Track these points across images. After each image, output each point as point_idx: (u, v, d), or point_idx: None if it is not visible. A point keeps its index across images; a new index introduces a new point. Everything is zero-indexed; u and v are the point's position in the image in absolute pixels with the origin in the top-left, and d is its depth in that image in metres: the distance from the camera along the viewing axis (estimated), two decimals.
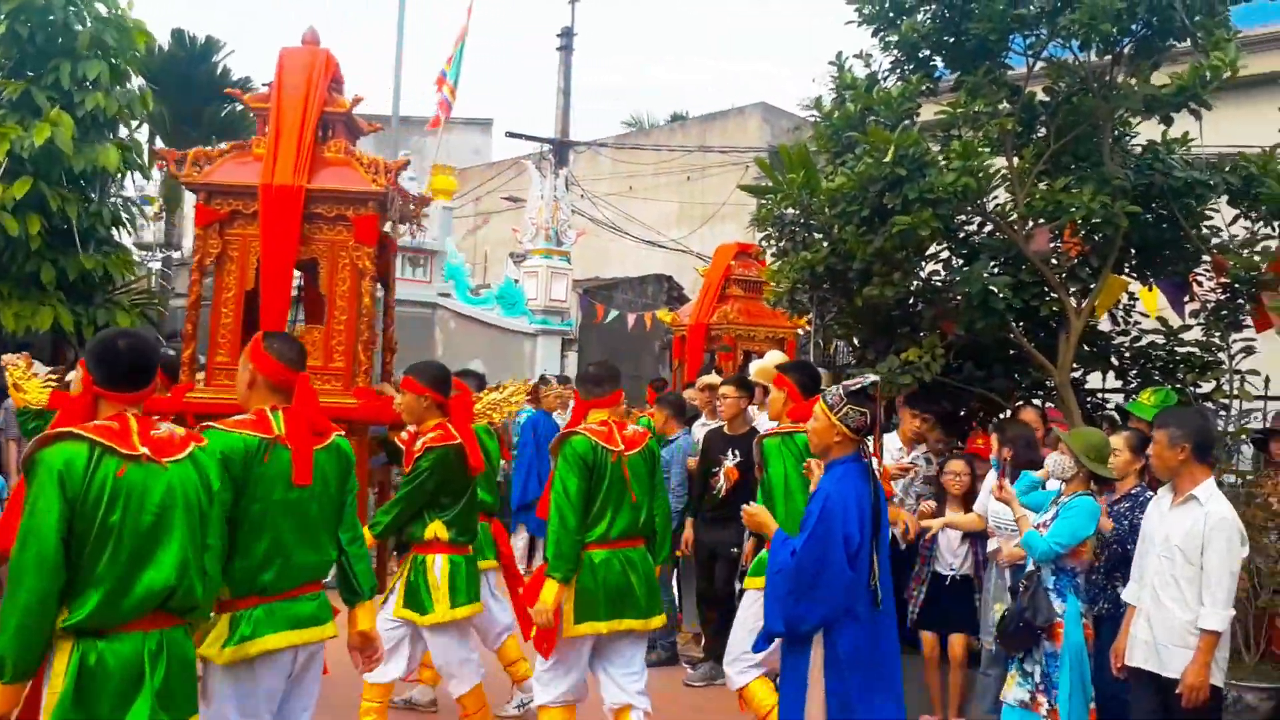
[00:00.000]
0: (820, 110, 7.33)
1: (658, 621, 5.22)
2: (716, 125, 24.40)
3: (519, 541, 11.30)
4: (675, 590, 8.29)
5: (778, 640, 4.23)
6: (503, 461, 9.80)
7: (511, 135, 21.73)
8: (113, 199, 12.30)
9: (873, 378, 4.20)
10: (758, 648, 4.23)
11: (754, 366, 8.41)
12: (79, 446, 3.10)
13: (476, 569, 5.63)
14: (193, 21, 56.47)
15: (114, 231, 12.31)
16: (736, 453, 7.36)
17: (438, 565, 5.31)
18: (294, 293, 6.10)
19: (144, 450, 3.19)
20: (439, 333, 14.69)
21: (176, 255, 24.34)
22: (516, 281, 14.93)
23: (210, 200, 5.84)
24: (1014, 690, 5.02)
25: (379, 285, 6.29)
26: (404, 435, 5.48)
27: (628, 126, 29.32)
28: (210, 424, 3.75)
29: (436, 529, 5.32)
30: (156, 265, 16.48)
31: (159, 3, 14.76)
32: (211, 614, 3.62)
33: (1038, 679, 4.93)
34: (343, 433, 4.16)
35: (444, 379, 5.40)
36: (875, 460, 4.12)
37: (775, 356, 9.00)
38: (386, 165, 6.08)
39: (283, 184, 5.75)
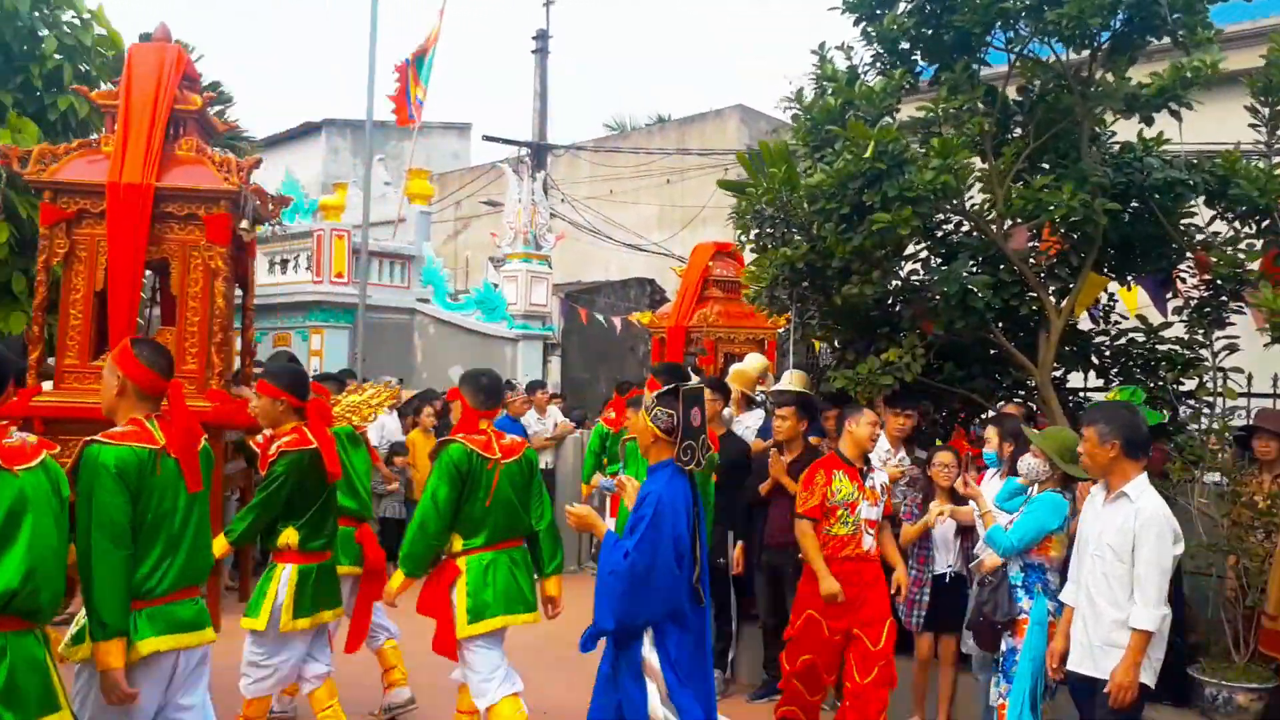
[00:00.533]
0: (800, 103, 7.25)
1: (538, 617, 5.36)
2: (695, 128, 24.35)
3: None
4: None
5: None
6: None
7: (489, 139, 21.61)
8: None
9: (699, 383, 4.22)
10: (585, 648, 4.11)
11: (734, 369, 8.33)
12: None
13: (334, 576, 5.44)
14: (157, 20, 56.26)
15: None
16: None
17: (285, 575, 5.17)
18: (146, 294, 5.97)
19: None
20: (418, 338, 14.55)
21: None
22: (496, 286, 14.80)
23: (57, 199, 5.72)
24: (991, 692, 4.95)
25: (238, 287, 6.15)
26: (259, 439, 5.38)
27: (609, 129, 29.23)
28: (95, 438, 3.73)
29: (288, 536, 5.15)
30: None
31: (130, 9, 14.57)
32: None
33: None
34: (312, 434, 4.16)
35: (301, 382, 5.21)
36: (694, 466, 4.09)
37: (755, 359, 8.92)
38: (239, 164, 6.03)
39: (131, 182, 5.69)
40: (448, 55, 46.37)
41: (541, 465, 11.68)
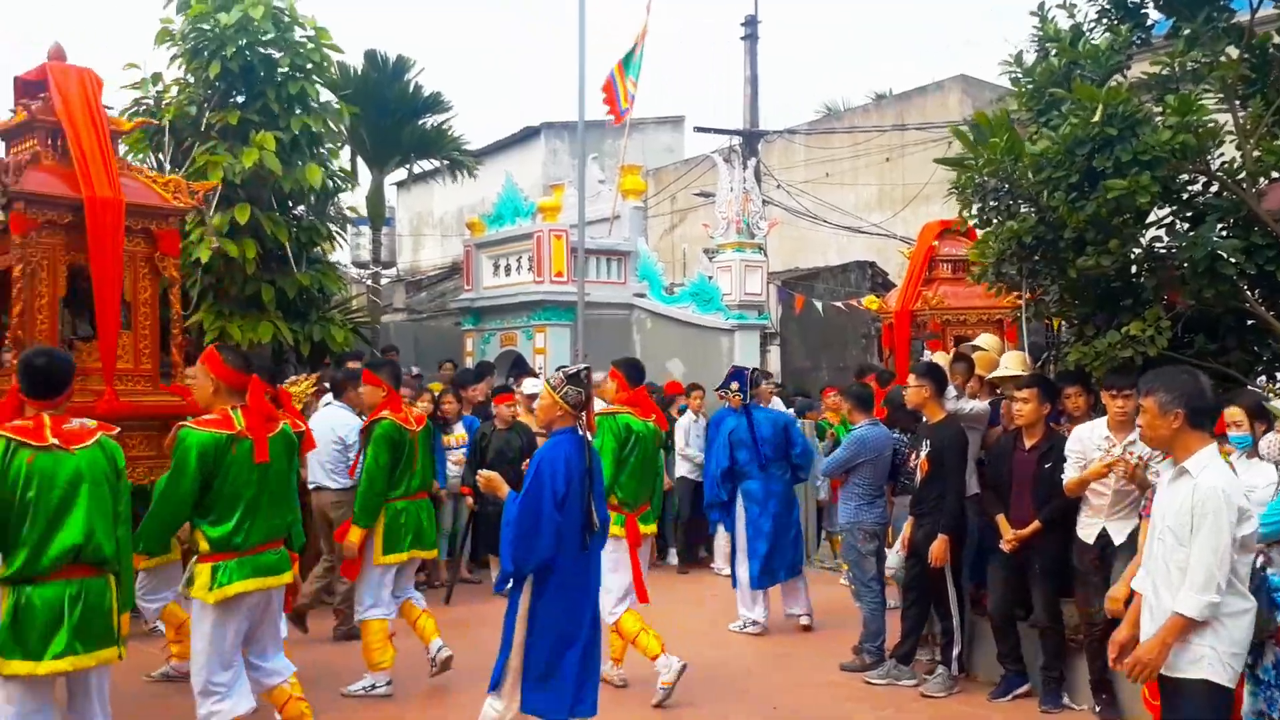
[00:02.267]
0: (1021, 67, 6.84)
1: (436, 552, 7.79)
2: (914, 103, 23.58)
3: (719, 541, 11.16)
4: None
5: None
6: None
7: (700, 130, 21.57)
8: (331, 217, 12.82)
9: (586, 365, 5.14)
10: (497, 588, 5.25)
11: (977, 355, 7.94)
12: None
13: None
14: (382, 40, 59.00)
15: (324, 249, 12.81)
16: (927, 444, 7.02)
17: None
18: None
19: (54, 441, 4.20)
20: (636, 333, 14.64)
21: (389, 272, 25.39)
22: (710, 278, 14.73)
23: (27, 210, 6.06)
24: (1248, 701, 4.47)
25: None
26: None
27: (823, 112, 28.70)
28: (185, 423, 4.86)
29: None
30: (367, 279, 17.08)
31: (349, 25, 15.29)
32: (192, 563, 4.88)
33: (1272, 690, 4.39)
34: (289, 422, 5.20)
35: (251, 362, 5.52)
36: (590, 432, 5.05)
37: (991, 340, 8.49)
38: (191, 186, 6.71)
39: (105, 197, 6.13)
40: (657, 49, 47.23)
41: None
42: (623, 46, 15.11)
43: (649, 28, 14.90)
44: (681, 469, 11.63)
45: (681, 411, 11.84)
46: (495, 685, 4.96)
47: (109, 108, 6.94)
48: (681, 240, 27.26)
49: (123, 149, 12.23)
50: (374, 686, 6.82)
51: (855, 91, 53.58)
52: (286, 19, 11.72)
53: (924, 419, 7.22)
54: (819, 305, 17.24)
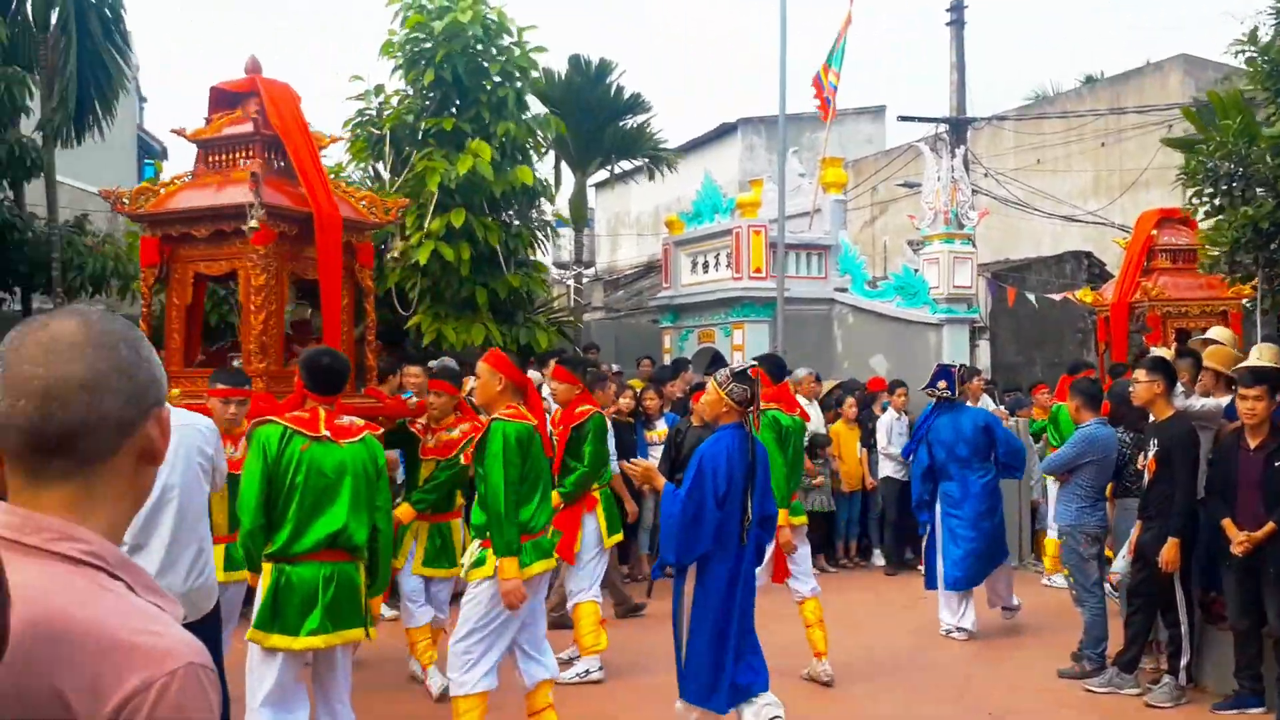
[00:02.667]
0: (1255, 44, 6.38)
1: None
2: (1131, 85, 22.36)
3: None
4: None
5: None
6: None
7: (904, 119, 21.07)
8: (534, 221, 13.19)
9: (753, 362, 5.36)
10: (654, 575, 5.90)
11: (1211, 349, 7.49)
12: (276, 428, 4.54)
13: None
14: (583, 41, 59.96)
15: (531, 252, 13.18)
16: (1155, 443, 6.67)
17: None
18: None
19: (326, 433, 4.54)
20: (837, 328, 14.42)
21: (589, 271, 25.85)
22: (916, 270, 14.35)
23: (155, 229, 6.47)
24: None
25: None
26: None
27: (1031, 98, 27.57)
28: (497, 416, 5.12)
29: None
30: (569, 280, 17.45)
31: (553, 28, 15.66)
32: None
33: None
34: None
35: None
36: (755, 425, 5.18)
37: (1223, 333, 7.97)
38: (386, 203, 6.95)
39: (330, 211, 6.39)
40: (859, 39, 46.34)
41: None
42: (826, 38, 14.86)
43: (852, 17, 14.68)
44: (885, 468, 11.41)
45: (884, 409, 11.61)
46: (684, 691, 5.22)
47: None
48: (882, 232, 26.72)
49: (345, 158, 13.05)
50: (587, 673, 6.97)
51: (1065, 76, 51.32)
52: (495, 26, 12.11)
53: (1151, 417, 6.84)
54: (1031, 298, 16.57)
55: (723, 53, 68.60)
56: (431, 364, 9.45)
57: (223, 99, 6.83)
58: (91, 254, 11.22)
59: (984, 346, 16.56)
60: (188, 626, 1.45)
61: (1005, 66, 60.85)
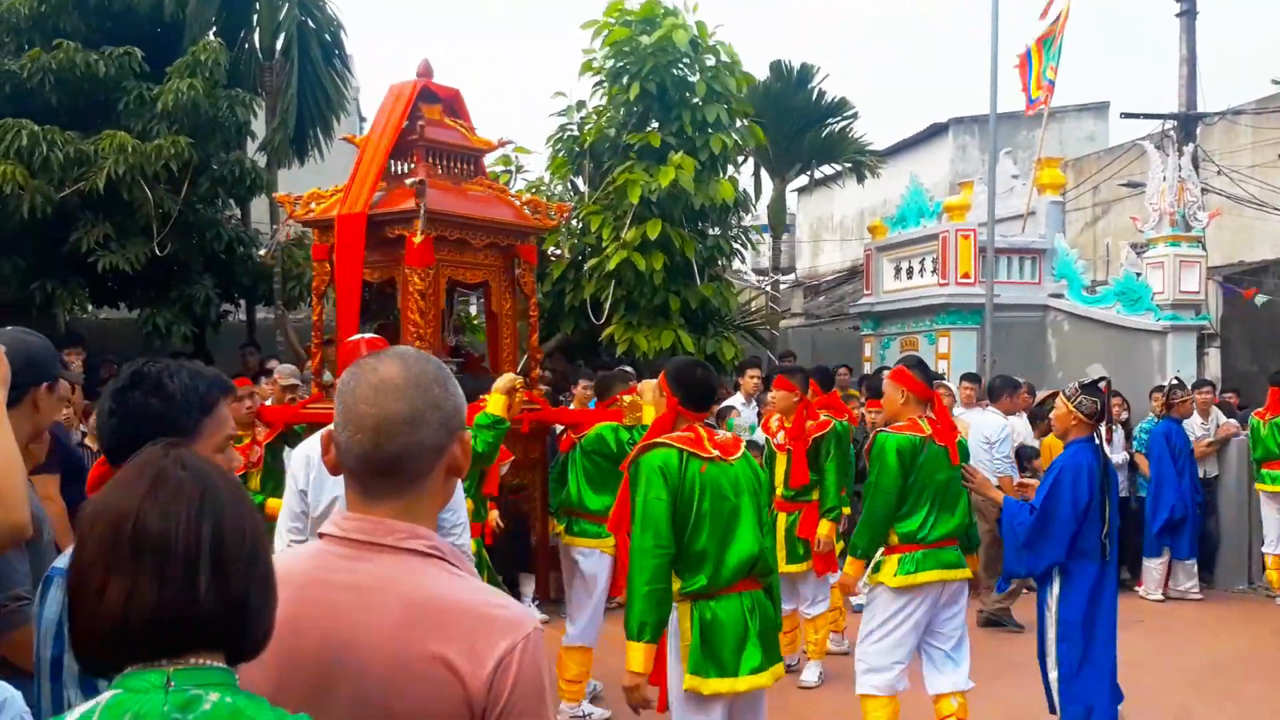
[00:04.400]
0: None
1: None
2: None
3: (1153, 565, 10.21)
4: None
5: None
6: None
7: (1127, 116, 19.87)
8: (733, 230, 13.14)
9: (1103, 373, 5.45)
10: (999, 589, 6.53)
11: None
12: (671, 451, 4.08)
13: None
14: (785, 47, 59.32)
15: (728, 262, 13.11)
16: None
17: None
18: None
19: (715, 452, 4.14)
20: (1051, 336, 13.70)
21: (788, 278, 25.59)
22: (1139, 275, 13.47)
23: (321, 236, 6.59)
24: None
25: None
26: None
27: (1274, 92, 25.55)
28: (883, 429, 5.36)
29: None
30: (767, 286, 17.27)
31: (753, 33, 15.48)
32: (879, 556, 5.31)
33: None
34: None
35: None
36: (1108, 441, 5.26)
37: None
38: (552, 207, 6.85)
39: (353, 212, 6.33)
40: (1079, 33, 44.02)
41: (1200, 474, 10.48)
42: (1037, 31, 14.14)
43: (1070, 10, 13.94)
44: None
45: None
46: (1052, 707, 5.32)
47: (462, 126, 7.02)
48: (1104, 235, 25.30)
49: (545, 174, 13.34)
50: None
51: None
52: (700, 42, 12.12)
53: None
54: (1261, 301, 15.31)
55: (934, 51, 66.80)
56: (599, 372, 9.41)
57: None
58: (309, 267, 11.82)
59: (1213, 354, 15.42)
60: None
61: (1241, 58, 56.80)
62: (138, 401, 2.17)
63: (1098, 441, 5.17)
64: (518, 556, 8.87)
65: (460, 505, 4.37)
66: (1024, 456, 10.53)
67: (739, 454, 4.21)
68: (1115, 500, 5.24)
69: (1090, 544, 5.09)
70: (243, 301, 12.74)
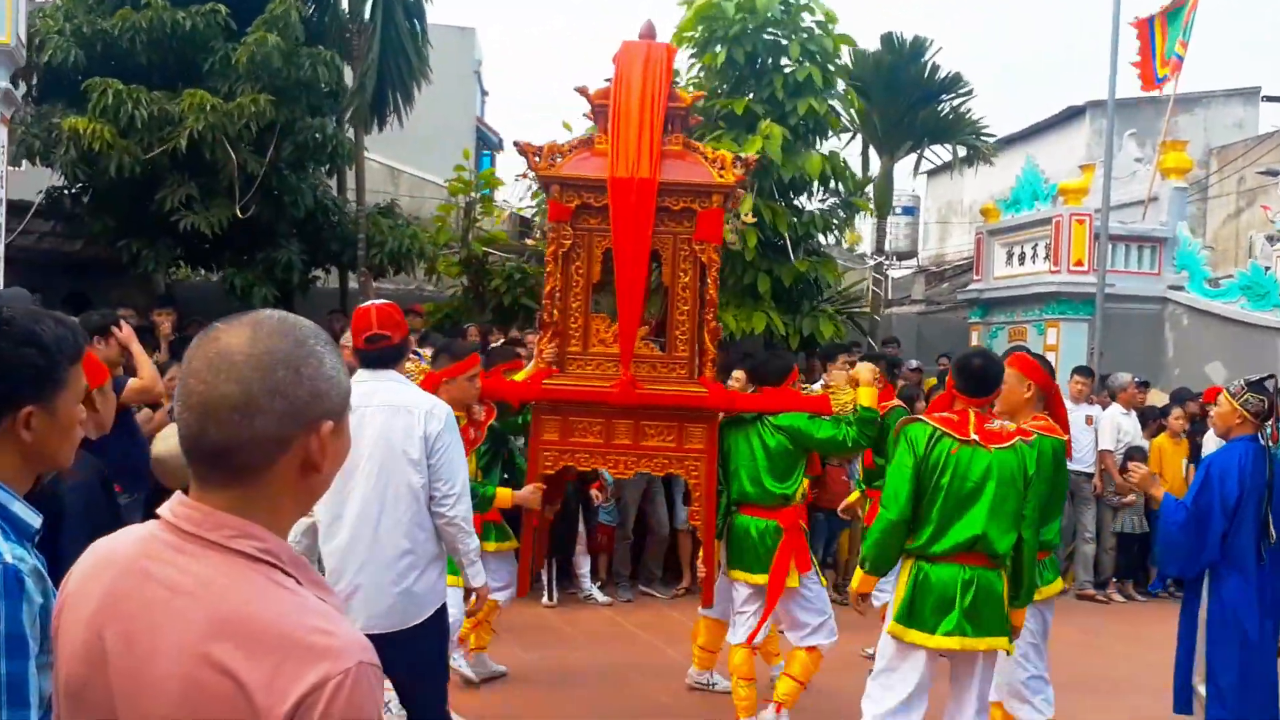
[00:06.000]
0: None
1: None
2: None
3: None
4: None
5: None
6: None
7: (1269, 99, 18.58)
8: (823, 204, 12.58)
9: (1271, 374, 5.03)
10: (1151, 589, 6.64)
11: None
12: (926, 428, 4.57)
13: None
14: (901, 22, 57.54)
15: (823, 238, 12.56)
16: None
17: None
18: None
19: (975, 437, 4.50)
20: (1169, 330, 12.84)
21: (908, 262, 24.76)
22: (1268, 269, 12.53)
23: (562, 195, 5.61)
24: None
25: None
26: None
27: None
28: (1035, 431, 4.86)
29: None
30: (870, 269, 16.65)
31: (868, 9, 14.89)
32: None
33: None
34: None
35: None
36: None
37: None
38: (737, 159, 5.75)
39: (634, 176, 5.50)
40: (1231, 12, 41.49)
41: None
42: (1162, 1, 13.22)
43: None
44: None
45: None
46: (1181, 707, 5.17)
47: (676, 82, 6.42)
48: (1247, 227, 23.83)
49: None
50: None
51: None
52: (795, 4, 11.61)
53: None
54: None
55: (1071, 34, 64.23)
56: None
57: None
58: (392, 234, 11.75)
59: None
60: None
61: None
62: (9, 351, 2.01)
63: (1263, 443, 5.01)
64: (572, 539, 8.68)
65: (454, 474, 4.13)
66: (1129, 459, 9.85)
67: (1008, 443, 4.52)
68: (1278, 502, 5.02)
69: (1243, 546, 4.92)
70: (334, 269, 12.79)
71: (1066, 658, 6.72)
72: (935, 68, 14.98)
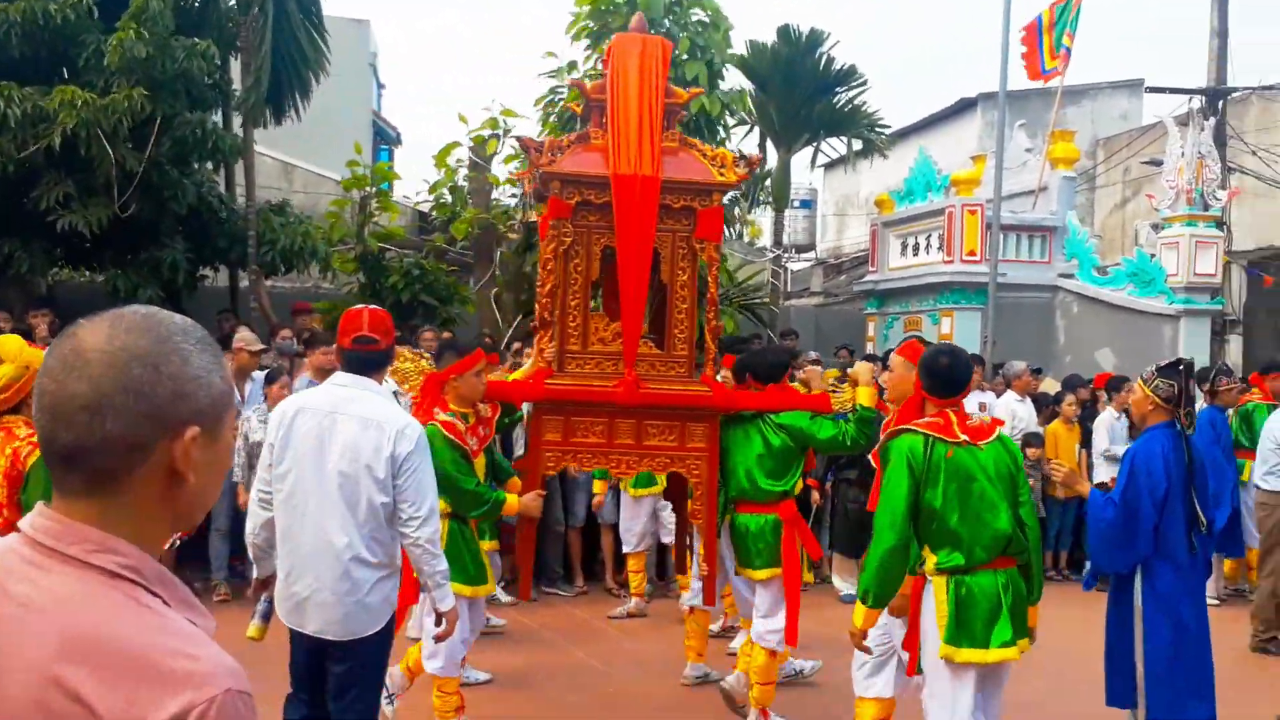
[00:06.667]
0: None
1: None
2: None
3: None
4: None
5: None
6: None
7: (1153, 90, 19.14)
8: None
9: (1184, 356, 5.06)
10: (1086, 586, 5.70)
11: None
12: (917, 437, 4.32)
13: None
14: (797, 14, 58.21)
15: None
16: None
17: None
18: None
19: (963, 437, 4.31)
20: (1059, 318, 13.16)
21: (806, 255, 25.02)
22: (1153, 256, 12.88)
23: (562, 191, 5.48)
24: None
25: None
26: None
27: None
28: (906, 428, 4.57)
29: None
30: (768, 262, 16.77)
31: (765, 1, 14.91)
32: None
33: None
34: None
35: None
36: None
37: None
38: (742, 157, 5.73)
39: (640, 174, 5.42)
40: (1115, 5, 42.91)
41: None
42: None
43: None
44: (1102, 472, 10.22)
45: (1106, 404, 10.45)
46: (1114, 699, 5.09)
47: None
48: (1133, 217, 24.55)
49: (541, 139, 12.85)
50: None
51: None
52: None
53: None
54: None
55: (964, 26, 65.68)
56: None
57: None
58: (284, 231, 11.43)
59: (1234, 342, 14.82)
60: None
61: (1276, 35, 55.26)
62: None
63: (1179, 429, 4.95)
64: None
65: (422, 497, 4.05)
66: (1026, 444, 10.03)
67: (991, 438, 4.36)
68: (1208, 490, 5.02)
69: (1175, 537, 4.87)
70: (224, 268, 12.42)
71: None
72: (831, 60, 15.13)
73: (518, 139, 5.94)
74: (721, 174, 5.62)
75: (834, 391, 5.79)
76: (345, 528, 3.99)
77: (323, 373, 8.58)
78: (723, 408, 5.68)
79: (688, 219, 5.62)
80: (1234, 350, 14.79)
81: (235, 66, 11.43)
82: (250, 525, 4.21)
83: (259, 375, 8.60)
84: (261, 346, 9.18)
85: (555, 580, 9.28)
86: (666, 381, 5.55)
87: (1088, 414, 10.65)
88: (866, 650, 4.63)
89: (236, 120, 11.76)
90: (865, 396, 5.59)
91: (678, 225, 5.64)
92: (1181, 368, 5.00)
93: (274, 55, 11.02)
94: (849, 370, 6.13)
